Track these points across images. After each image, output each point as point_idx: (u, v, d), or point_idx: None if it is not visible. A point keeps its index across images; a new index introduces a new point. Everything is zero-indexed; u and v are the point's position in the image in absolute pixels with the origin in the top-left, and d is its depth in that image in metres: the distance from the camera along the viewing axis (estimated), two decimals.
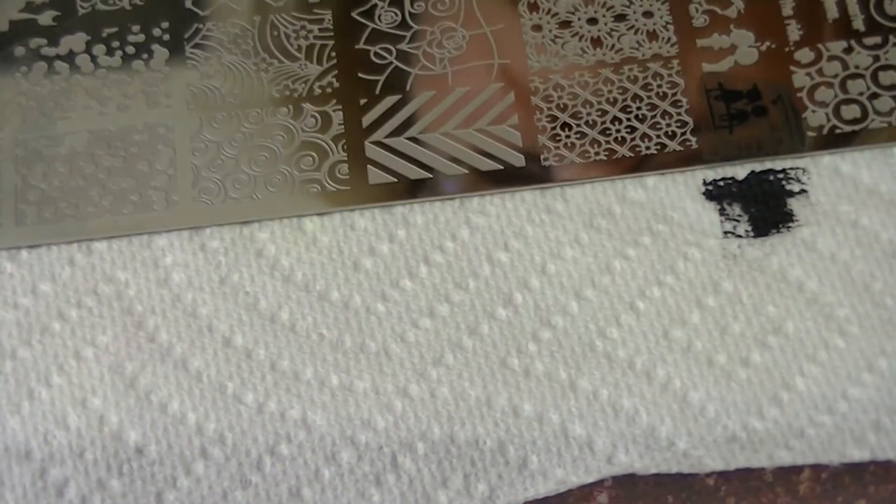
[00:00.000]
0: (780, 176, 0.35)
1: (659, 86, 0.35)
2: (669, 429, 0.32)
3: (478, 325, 0.34)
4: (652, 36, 0.36)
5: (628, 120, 0.35)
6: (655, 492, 0.33)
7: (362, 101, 0.36)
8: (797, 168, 0.35)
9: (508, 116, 0.35)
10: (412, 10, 0.37)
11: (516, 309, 0.34)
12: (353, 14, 0.37)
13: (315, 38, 0.37)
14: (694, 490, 0.33)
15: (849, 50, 0.35)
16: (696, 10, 0.36)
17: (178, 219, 0.35)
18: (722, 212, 0.34)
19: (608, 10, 0.36)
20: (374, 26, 0.37)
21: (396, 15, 0.37)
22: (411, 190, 0.35)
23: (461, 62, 0.36)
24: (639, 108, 0.35)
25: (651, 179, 0.35)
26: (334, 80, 0.36)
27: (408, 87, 0.36)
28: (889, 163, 0.35)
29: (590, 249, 0.34)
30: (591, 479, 0.32)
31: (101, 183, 0.35)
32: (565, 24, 0.36)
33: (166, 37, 0.37)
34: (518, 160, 0.35)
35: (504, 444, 0.33)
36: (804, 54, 0.35)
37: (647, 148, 0.35)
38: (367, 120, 0.36)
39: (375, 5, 0.37)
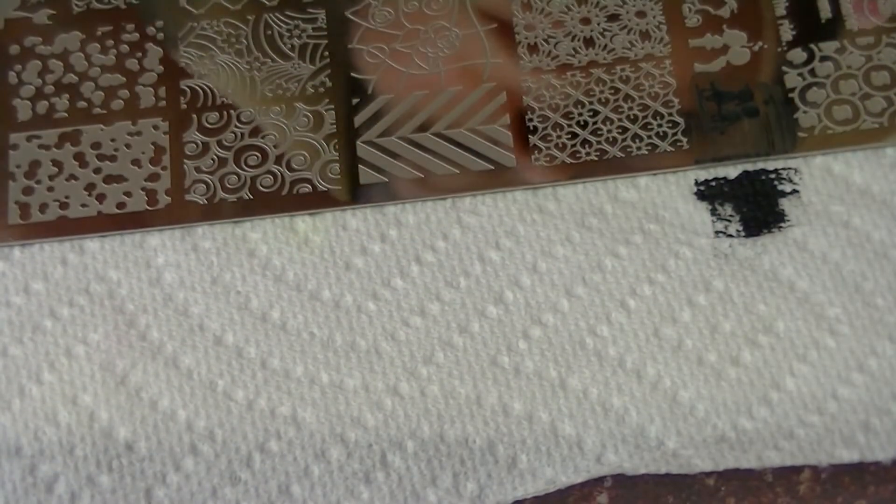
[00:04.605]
0: (772, 176, 0.35)
1: (651, 86, 0.35)
2: (659, 428, 0.32)
3: (468, 323, 0.34)
4: (644, 36, 0.36)
5: (620, 120, 0.35)
6: (655, 491, 0.33)
7: (354, 101, 0.36)
8: (789, 168, 0.35)
9: (500, 116, 0.35)
10: (405, 10, 0.37)
11: (507, 307, 0.34)
12: (347, 13, 0.37)
13: (308, 37, 0.37)
14: (694, 490, 0.33)
15: (841, 50, 0.35)
16: (689, 10, 0.36)
17: (170, 218, 0.35)
18: (713, 212, 0.34)
19: (601, 10, 0.36)
20: (368, 26, 0.37)
21: (390, 14, 0.37)
22: (403, 190, 0.35)
23: (454, 62, 0.36)
24: (630, 109, 0.35)
25: (643, 179, 0.35)
26: (327, 79, 0.36)
27: (400, 87, 0.36)
28: (881, 163, 0.35)
29: (581, 248, 0.34)
30: (580, 479, 0.32)
31: (93, 181, 0.35)
32: (558, 24, 0.36)
33: (160, 35, 0.37)
34: (509, 160, 0.35)
35: (494, 442, 0.32)
36: (796, 55, 0.35)
37: (639, 148, 0.35)
38: (358, 119, 0.36)
39: (369, 4, 0.37)
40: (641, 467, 0.32)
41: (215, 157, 0.35)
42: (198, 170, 0.35)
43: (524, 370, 0.33)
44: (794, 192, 0.34)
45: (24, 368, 0.34)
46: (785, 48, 0.36)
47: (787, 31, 0.36)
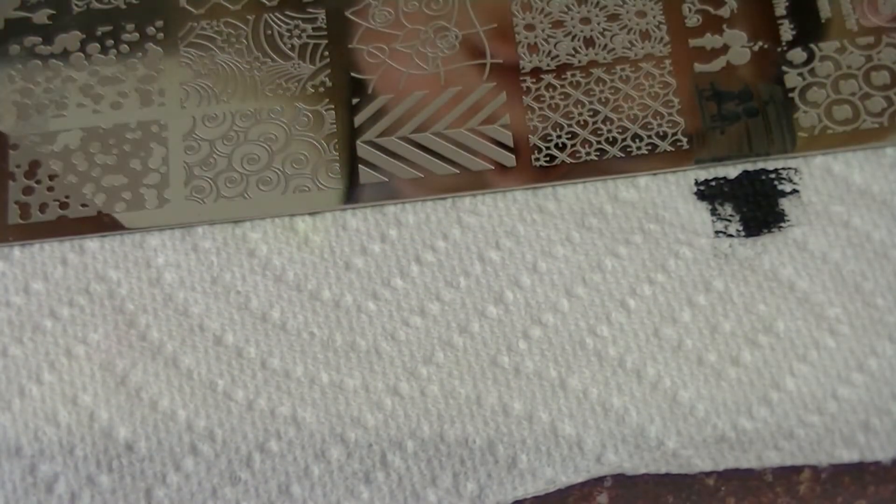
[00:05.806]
0: (772, 176, 0.35)
1: (651, 86, 0.35)
2: (659, 428, 0.32)
3: (468, 323, 0.34)
4: (644, 36, 0.36)
5: (620, 120, 0.35)
6: (655, 491, 0.33)
7: (354, 101, 0.36)
8: (789, 168, 0.35)
9: (500, 116, 0.35)
10: (405, 10, 0.37)
11: (507, 307, 0.34)
12: (347, 13, 0.37)
13: (308, 37, 0.37)
14: (694, 490, 0.33)
15: (841, 50, 0.35)
16: (689, 10, 0.36)
17: (170, 217, 0.35)
18: (713, 211, 0.34)
19: (601, 9, 0.36)
20: (368, 26, 0.37)
21: (390, 14, 0.37)
22: (403, 190, 0.35)
23: (454, 62, 0.36)
24: (630, 109, 0.35)
25: (643, 179, 0.35)
26: (327, 79, 0.36)
27: (400, 87, 0.36)
28: (881, 163, 0.35)
29: (581, 248, 0.34)
30: (580, 479, 0.32)
31: (93, 181, 0.35)
32: (558, 24, 0.36)
33: (160, 35, 0.37)
34: (509, 160, 0.35)
35: (494, 442, 0.32)
36: (796, 55, 0.35)
37: (639, 148, 0.35)
38: (358, 119, 0.36)
39: (369, 4, 0.37)
40: (641, 467, 0.32)
41: (216, 157, 0.35)
42: (198, 169, 0.35)
43: (524, 370, 0.33)
44: (794, 192, 0.34)
45: (24, 368, 0.34)
46: (785, 48, 0.36)
47: (787, 31, 0.36)
